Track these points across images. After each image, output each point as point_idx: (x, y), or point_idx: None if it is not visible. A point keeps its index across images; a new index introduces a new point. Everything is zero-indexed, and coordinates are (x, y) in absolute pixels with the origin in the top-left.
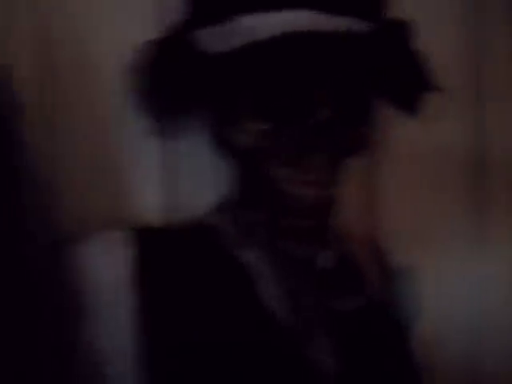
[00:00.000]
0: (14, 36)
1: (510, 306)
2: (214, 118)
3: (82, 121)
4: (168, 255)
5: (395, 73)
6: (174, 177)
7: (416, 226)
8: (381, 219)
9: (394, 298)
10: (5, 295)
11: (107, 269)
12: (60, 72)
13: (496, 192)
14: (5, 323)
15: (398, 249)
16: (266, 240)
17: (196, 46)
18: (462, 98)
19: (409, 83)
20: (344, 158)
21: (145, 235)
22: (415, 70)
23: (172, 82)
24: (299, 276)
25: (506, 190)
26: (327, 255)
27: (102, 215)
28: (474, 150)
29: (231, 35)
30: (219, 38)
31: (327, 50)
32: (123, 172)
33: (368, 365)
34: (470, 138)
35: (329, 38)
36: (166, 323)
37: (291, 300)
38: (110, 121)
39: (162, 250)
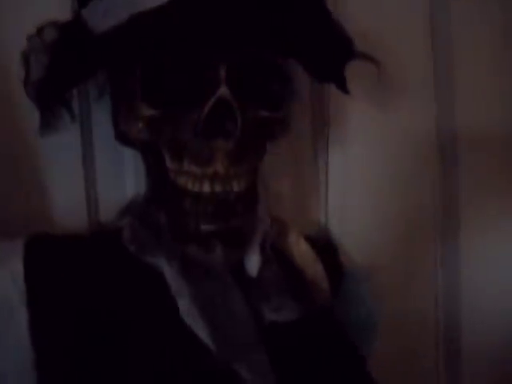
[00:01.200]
0: None
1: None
2: (110, 105)
3: None
4: (69, 267)
5: (305, 35)
6: (93, 174)
7: (373, 221)
8: (329, 214)
9: (345, 304)
10: None
11: None
12: None
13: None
14: None
15: (352, 247)
16: (175, 245)
17: (85, 25)
18: (424, 75)
19: (322, 46)
20: (254, 146)
21: (41, 245)
22: (327, 31)
23: (63, 66)
24: (221, 287)
25: (478, 178)
26: (254, 261)
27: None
28: (442, 132)
29: (115, 9)
30: (103, 14)
31: (224, 17)
32: (35, 171)
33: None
34: (436, 119)
35: (225, 3)
36: (64, 345)
37: (213, 316)
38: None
39: (60, 262)
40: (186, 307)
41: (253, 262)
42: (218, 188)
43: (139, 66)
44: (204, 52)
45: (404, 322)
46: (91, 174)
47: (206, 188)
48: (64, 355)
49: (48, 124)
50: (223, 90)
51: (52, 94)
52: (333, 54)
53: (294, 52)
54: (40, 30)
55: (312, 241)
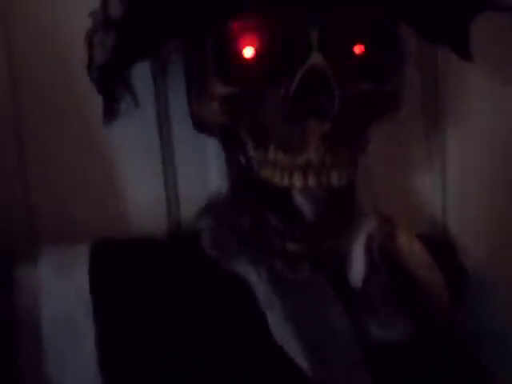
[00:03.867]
0: None
1: None
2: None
3: (54, 115)
4: (140, 275)
5: None
6: (172, 170)
7: (497, 218)
8: (447, 208)
9: (469, 318)
10: None
11: (61, 294)
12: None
13: None
14: None
15: (474, 249)
16: (263, 252)
17: None
18: None
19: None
20: (356, 129)
21: (109, 252)
22: None
23: (129, 43)
24: (319, 300)
25: None
26: (357, 269)
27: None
28: None
29: None
30: None
31: None
32: (109, 168)
33: None
34: None
35: None
36: (135, 362)
37: (309, 333)
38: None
39: (131, 270)
40: (276, 322)
41: (356, 271)
42: (311, 181)
43: (212, 34)
44: (291, 11)
45: None
46: (171, 170)
47: (298, 181)
48: (135, 374)
49: (113, 111)
50: (316, 57)
51: (114, 73)
52: (455, 6)
53: (406, 9)
54: (104, 5)
55: (427, 241)
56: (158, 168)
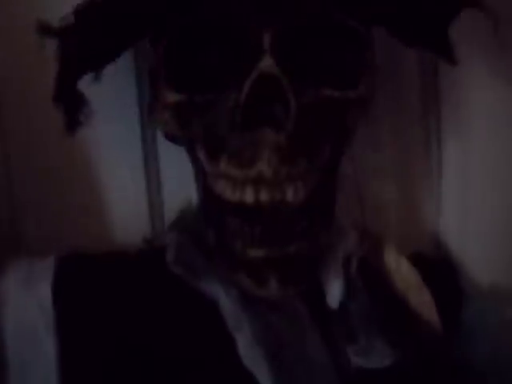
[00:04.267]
0: None
1: None
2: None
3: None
4: (105, 291)
5: None
6: (156, 178)
7: (502, 233)
8: (445, 224)
9: (465, 343)
10: None
11: (24, 307)
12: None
13: None
14: None
15: (475, 267)
16: (228, 266)
17: None
18: None
19: None
20: (318, 138)
21: (74, 266)
22: None
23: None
24: (292, 322)
25: None
26: (334, 289)
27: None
28: None
29: None
30: None
31: None
32: (90, 176)
33: None
34: None
35: None
36: (93, 376)
37: (281, 358)
38: None
39: (95, 286)
40: (246, 346)
41: (333, 291)
42: (264, 196)
43: (162, 39)
44: (242, 13)
45: None
46: (154, 179)
47: (249, 196)
48: None
49: (75, 121)
50: (266, 62)
51: (68, 84)
52: (432, 7)
53: (375, 11)
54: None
55: (421, 260)
56: (141, 176)
